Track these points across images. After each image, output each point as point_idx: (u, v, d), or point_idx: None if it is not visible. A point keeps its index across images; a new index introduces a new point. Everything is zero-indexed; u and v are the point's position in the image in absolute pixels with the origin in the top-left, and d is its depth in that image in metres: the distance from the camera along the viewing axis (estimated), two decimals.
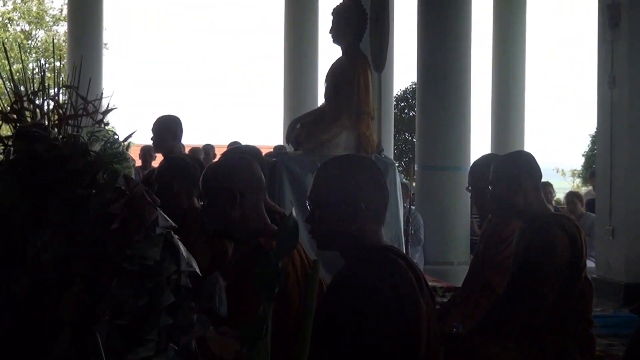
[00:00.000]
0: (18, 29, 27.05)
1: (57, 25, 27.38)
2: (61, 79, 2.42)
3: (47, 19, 27.30)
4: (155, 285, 2.05)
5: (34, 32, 27.20)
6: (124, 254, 2.02)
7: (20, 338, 2.10)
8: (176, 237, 2.12)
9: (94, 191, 2.09)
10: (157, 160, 8.90)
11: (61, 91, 2.38)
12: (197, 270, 2.15)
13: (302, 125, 7.78)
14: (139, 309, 2.03)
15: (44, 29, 27.34)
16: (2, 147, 2.47)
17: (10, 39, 24.98)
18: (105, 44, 18.65)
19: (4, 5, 26.81)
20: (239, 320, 2.62)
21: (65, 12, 22.10)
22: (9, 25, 26.26)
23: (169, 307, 2.07)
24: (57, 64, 2.53)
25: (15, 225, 2.09)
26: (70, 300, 2.03)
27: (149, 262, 2.04)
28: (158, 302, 2.05)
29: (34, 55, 25.70)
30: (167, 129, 6.08)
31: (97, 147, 2.13)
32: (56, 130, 2.23)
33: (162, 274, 2.06)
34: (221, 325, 2.72)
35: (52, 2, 27.37)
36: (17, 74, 2.47)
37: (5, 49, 2.76)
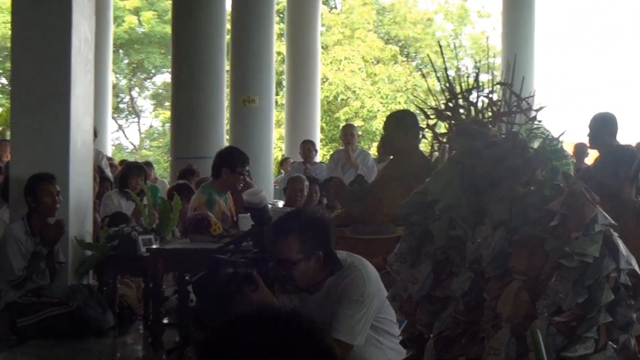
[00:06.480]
0: (449, 26, 27.65)
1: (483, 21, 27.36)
2: (494, 76, 2.47)
3: (472, 15, 27.61)
4: (594, 282, 2.02)
5: (458, 31, 27.67)
6: (563, 250, 2.02)
7: (461, 331, 2.19)
8: (615, 234, 2.07)
9: (532, 188, 2.11)
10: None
11: (495, 88, 2.43)
12: (637, 268, 2.09)
13: None
14: (578, 306, 2.02)
15: (469, 27, 27.65)
16: (438, 144, 2.58)
17: (438, 39, 25.71)
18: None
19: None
20: None
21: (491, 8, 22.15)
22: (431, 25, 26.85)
23: (608, 305, 2.04)
24: (491, 61, 2.58)
25: (456, 221, 2.17)
26: (509, 297, 2.06)
27: (588, 259, 2.01)
28: (597, 300, 2.02)
29: (459, 53, 26.10)
30: (604, 126, 6.16)
31: (535, 144, 2.14)
32: (495, 127, 2.28)
33: (602, 272, 2.02)
34: None
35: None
36: (452, 72, 2.56)
37: (440, 47, 2.88)
